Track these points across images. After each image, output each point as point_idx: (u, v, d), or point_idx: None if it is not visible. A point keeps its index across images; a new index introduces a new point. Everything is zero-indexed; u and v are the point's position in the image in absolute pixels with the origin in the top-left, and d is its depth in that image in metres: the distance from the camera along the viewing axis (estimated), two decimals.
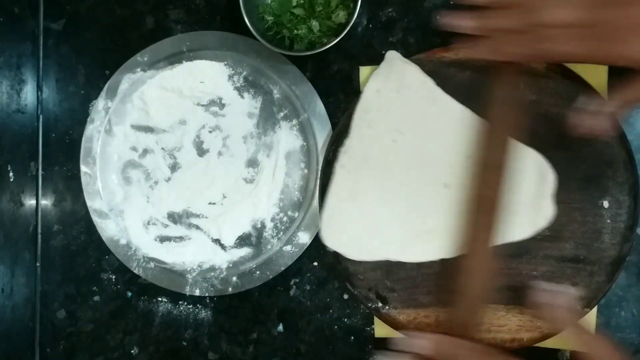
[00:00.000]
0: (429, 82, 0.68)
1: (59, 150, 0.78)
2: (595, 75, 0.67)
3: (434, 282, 0.67)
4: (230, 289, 0.73)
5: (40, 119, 0.79)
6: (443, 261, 0.67)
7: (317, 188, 0.71)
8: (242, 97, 0.74)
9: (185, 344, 0.76)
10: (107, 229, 0.75)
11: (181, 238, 0.75)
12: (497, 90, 0.64)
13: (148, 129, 0.75)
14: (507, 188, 0.64)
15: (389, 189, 0.68)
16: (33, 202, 0.78)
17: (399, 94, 0.68)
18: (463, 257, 0.65)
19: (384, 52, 0.72)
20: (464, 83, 0.68)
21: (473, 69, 0.67)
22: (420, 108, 0.68)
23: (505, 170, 0.64)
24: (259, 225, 0.73)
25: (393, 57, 0.69)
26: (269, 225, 0.73)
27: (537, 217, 0.66)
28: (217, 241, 0.74)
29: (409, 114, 0.68)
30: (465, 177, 0.66)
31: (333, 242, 0.68)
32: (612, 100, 0.59)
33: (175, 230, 0.75)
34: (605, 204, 0.65)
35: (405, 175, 0.68)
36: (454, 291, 0.64)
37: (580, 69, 0.67)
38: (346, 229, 0.68)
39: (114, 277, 0.77)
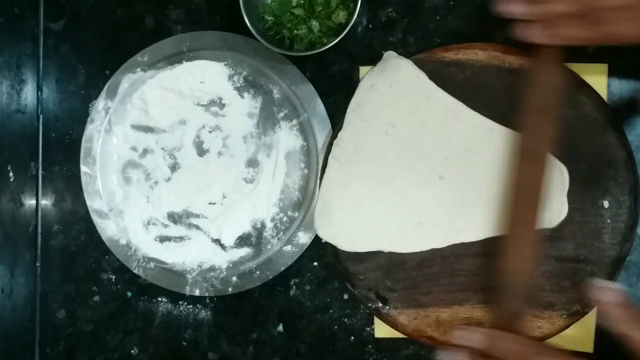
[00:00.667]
0: (422, 77, 0.68)
1: (59, 150, 0.78)
2: (596, 76, 0.67)
3: (434, 281, 0.67)
4: (230, 289, 0.73)
5: (40, 119, 0.79)
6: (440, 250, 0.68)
7: (317, 188, 0.71)
8: (242, 97, 0.74)
9: (185, 344, 0.76)
10: (107, 229, 0.75)
11: (181, 238, 0.75)
12: (541, 78, 0.63)
13: (148, 129, 0.75)
14: (547, 177, 0.63)
15: (383, 181, 0.68)
16: (33, 202, 0.78)
17: (391, 88, 0.68)
18: (507, 246, 0.64)
19: (384, 52, 0.72)
20: (464, 83, 0.68)
21: (473, 69, 0.67)
22: (414, 101, 0.68)
23: (546, 159, 0.63)
24: (259, 225, 0.73)
25: (389, 55, 0.69)
26: (269, 225, 0.73)
27: (551, 215, 0.65)
28: (217, 241, 0.74)
29: (402, 107, 0.68)
30: (460, 168, 0.66)
31: (326, 233, 0.68)
32: None
33: (175, 230, 0.75)
34: (606, 203, 0.66)
35: (399, 167, 0.68)
36: (498, 283, 0.63)
37: (580, 70, 0.67)
38: (339, 220, 0.68)
39: (113, 277, 0.77)
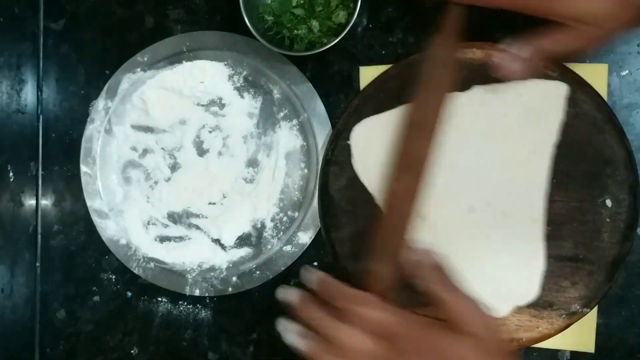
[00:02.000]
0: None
1: (59, 150, 0.78)
2: (596, 76, 0.67)
3: None
4: (230, 289, 0.73)
5: (40, 119, 0.79)
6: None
7: (317, 188, 0.71)
8: (242, 97, 0.74)
9: (185, 344, 0.76)
10: (107, 229, 0.75)
11: (181, 238, 0.75)
12: (437, 52, 0.63)
13: (148, 129, 0.75)
14: (433, 149, 0.63)
15: None
16: (33, 202, 0.78)
17: None
18: (386, 211, 0.65)
19: (384, 52, 0.72)
20: (463, 82, 0.68)
21: (471, 68, 0.67)
22: None
23: (434, 130, 0.63)
24: (259, 225, 0.73)
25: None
26: (269, 225, 0.73)
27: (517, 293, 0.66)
28: (217, 241, 0.74)
29: None
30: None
31: None
32: (530, 46, 0.57)
33: (175, 230, 0.75)
34: (607, 202, 0.65)
35: None
36: (370, 246, 0.64)
37: (580, 70, 0.67)
38: None
39: (113, 277, 0.77)
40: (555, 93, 0.65)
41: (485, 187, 0.67)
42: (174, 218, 0.75)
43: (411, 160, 0.63)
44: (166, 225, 0.75)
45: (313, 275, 0.62)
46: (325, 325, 0.58)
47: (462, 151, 0.67)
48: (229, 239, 0.73)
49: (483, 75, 0.67)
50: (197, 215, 0.74)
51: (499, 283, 0.66)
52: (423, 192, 0.64)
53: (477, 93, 0.67)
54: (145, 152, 0.75)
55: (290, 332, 0.60)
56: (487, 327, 0.55)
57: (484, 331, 0.55)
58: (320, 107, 0.73)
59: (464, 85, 0.68)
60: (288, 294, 0.62)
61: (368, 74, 0.71)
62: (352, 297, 0.59)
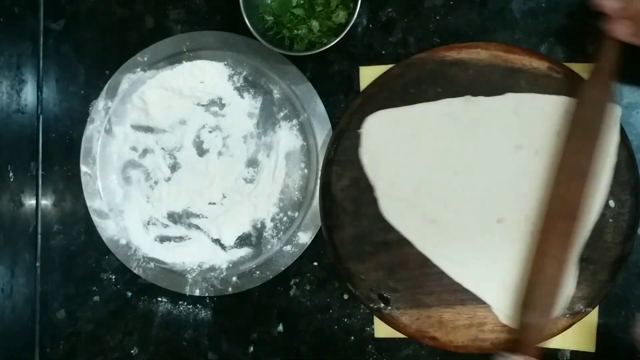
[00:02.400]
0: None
1: (59, 150, 0.78)
2: None
3: (437, 281, 0.67)
4: (230, 289, 0.73)
5: (40, 119, 0.79)
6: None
7: (317, 188, 0.71)
8: (242, 97, 0.74)
9: (185, 344, 0.76)
10: (107, 229, 0.75)
11: (181, 238, 0.75)
12: (593, 88, 0.63)
13: (148, 129, 0.75)
14: (590, 195, 0.62)
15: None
16: (33, 202, 0.78)
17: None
18: (539, 260, 0.63)
19: (384, 52, 0.72)
20: (466, 82, 0.68)
21: (476, 68, 0.67)
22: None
23: (590, 176, 0.62)
24: (259, 225, 0.73)
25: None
26: (269, 225, 0.73)
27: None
28: (217, 241, 0.74)
29: None
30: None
31: None
32: None
33: (175, 230, 0.75)
34: (609, 203, 0.65)
35: None
36: (526, 294, 0.63)
37: (580, 69, 0.67)
38: None
39: (113, 277, 0.77)
40: (610, 114, 0.64)
41: (524, 201, 0.65)
42: (174, 218, 0.75)
43: (566, 206, 0.62)
44: (166, 225, 0.75)
45: None
46: None
47: (494, 162, 0.66)
48: (229, 239, 0.73)
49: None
50: (197, 215, 0.74)
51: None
52: (578, 241, 0.63)
53: (511, 100, 0.66)
54: (145, 152, 0.75)
55: None
56: None
57: None
58: (320, 107, 0.72)
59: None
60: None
61: (368, 74, 0.71)
62: None
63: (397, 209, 0.68)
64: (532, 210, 0.65)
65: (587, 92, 0.63)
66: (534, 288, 0.62)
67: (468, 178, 0.67)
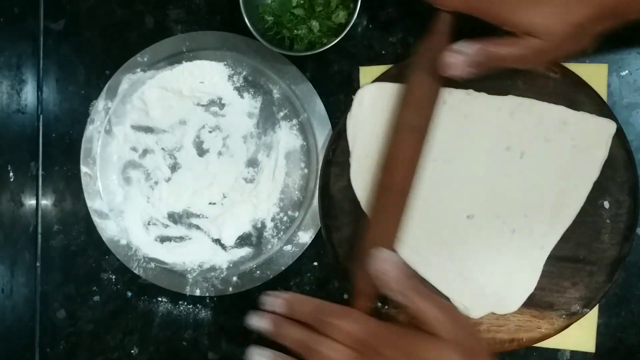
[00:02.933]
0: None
1: (59, 150, 0.78)
2: (596, 76, 0.67)
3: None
4: (230, 288, 0.73)
5: (40, 119, 0.79)
6: None
7: (317, 188, 0.71)
8: (242, 97, 0.74)
9: (185, 344, 0.76)
10: (107, 229, 0.75)
11: (181, 238, 0.75)
12: (425, 50, 0.63)
13: (148, 129, 0.75)
14: (424, 151, 0.64)
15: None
16: (33, 202, 0.78)
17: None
18: (371, 215, 0.65)
19: (384, 52, 0.72)
20: (463, 83, 0.68)
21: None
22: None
23: (424, 134, 0.63)
24: (259, 225, 0.73)
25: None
26: (269, 225, 0.73)
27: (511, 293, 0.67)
28: (217, 241, 0.74)
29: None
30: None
31: None
32: (476, 45, 0.58)
33: (175, 230, 0.75)
34: (605, 204, 0.65)
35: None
36: (358, 248, 0.64)
37: (580, 70, 0.67)
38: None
39: (114, 277, 0.77)
40: (603, 130, 0.65)
41: (498, 200, 0.66)
42: (174, 218, 0.75)
43: (399, 162, 0.63)
44: (166, 226, 0.75)
45: (278, 299, 0.61)
46: (305, 340, 0.58)
47: (478, 158, 0.67)
48: (230, 239, 0.73)
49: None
50: (198, 215, 0.74)
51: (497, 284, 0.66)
52: (411, 196, 0.64)
53: (511, 102, 0.67)
54: (145, 152, 0.75)
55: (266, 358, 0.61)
56: (462, 329, 0.55)
57: (460, 333, 0.55)
58: (320, 107, 0.72)
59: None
60: (260, 322, 0.62)
61: (368, 74, 0.71)
62: (328, 310, 0.59)
63: (364, 179, 0.68)
64: (505, 209, 0.66)
65: (420, 57, 0.63)
66: (365, 242, 0.63)
67: (446, 167, 0.67)
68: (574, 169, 0.65)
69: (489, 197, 0.66)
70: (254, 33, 0.67)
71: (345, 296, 0.73)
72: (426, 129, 0.64)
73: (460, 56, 0.58)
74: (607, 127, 0.64)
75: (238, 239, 0.74)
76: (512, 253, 0.66)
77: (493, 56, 0.57)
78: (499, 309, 0.66)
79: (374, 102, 0.69)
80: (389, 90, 0.68)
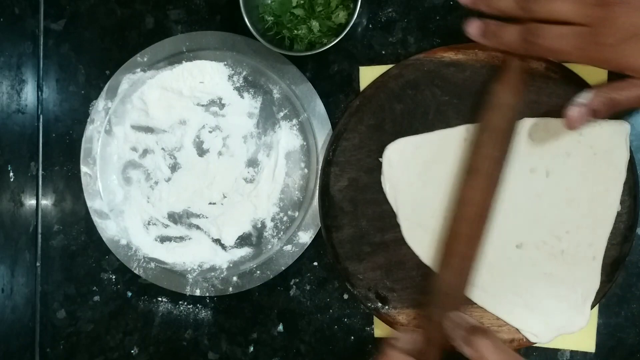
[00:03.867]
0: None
1: (59, 150, 0.78)
2: (595, 76, 0.67)
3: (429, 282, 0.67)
4: (230, 289, 0.73)
5: (40, 119, 0.79)
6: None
7: (317, 188, 0.71)
8: (242, 97, 0.74)
9: (185, 344, 0.76)
10: (108, 229, 0.75)
11: (181, 238, 0.75)
12: (500, 94, 0.63)
13: (148, 129, 0.75)
14: (495, 198, 0.63)
15: None
16: (33, 202, 0.78)
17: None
18: (443, 260, 0.65)
19: (384, 52, 0.72)
20: (464, 83, 0.68)
21: (473, 69, 0.67)
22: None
23: (495, 179, 0.63)
24: (259, 225, 0.73)
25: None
26: (269, 225, 0.73)
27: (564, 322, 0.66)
28: (217, 241, 0.74)
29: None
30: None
31: None
32: (597, 95, 0.58)
33: (175, 230, 0.75)
34: None
35: None
36: (431, 293, 0.64)
37: (580, 70, 0.67)
38: None
39: (114, 277, 0.77)
40: (619, 132, 0.64)
41: (539, 224, 0.65)
42: (174, 218, 0.75)
43: (469, 205, 0.63)
44: (166, 226, 0.75)
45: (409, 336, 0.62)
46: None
47: (508, 186, 0.65)
48: (230, 239, 0.73)
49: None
50: (198, 215, 0.74)
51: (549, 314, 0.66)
52: (483, 240, 0.64)
53: (526, 124, 0.66)
54: (145, 152, 0.75)
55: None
56: None
57: None
58: (320, 107, 0.72)
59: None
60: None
61: (368, 74, 0.71)
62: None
63: (418, 235, 0.68)
64: (547, 232, 0.65)
65: (497, 97, 0.63)
66: (438, 290, 0.64)
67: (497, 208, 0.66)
68: (601, 174, 0.64)
69: (529, 222, 0.65)
70: (254, 33, 0.67)
71: (346, 296, 0.73)
72: (499, 175, 0.63)
73: (583, 109, 0.58)
74: (622, 128, 0.64)
75: (238, 239, 0.74)
76: (567, 272, 0.65)
77: (615, 103, 0.58)
78: (568, 329, 0.65)
79: (401, 158, 0.68)
80: (411, 142, 0.68)
